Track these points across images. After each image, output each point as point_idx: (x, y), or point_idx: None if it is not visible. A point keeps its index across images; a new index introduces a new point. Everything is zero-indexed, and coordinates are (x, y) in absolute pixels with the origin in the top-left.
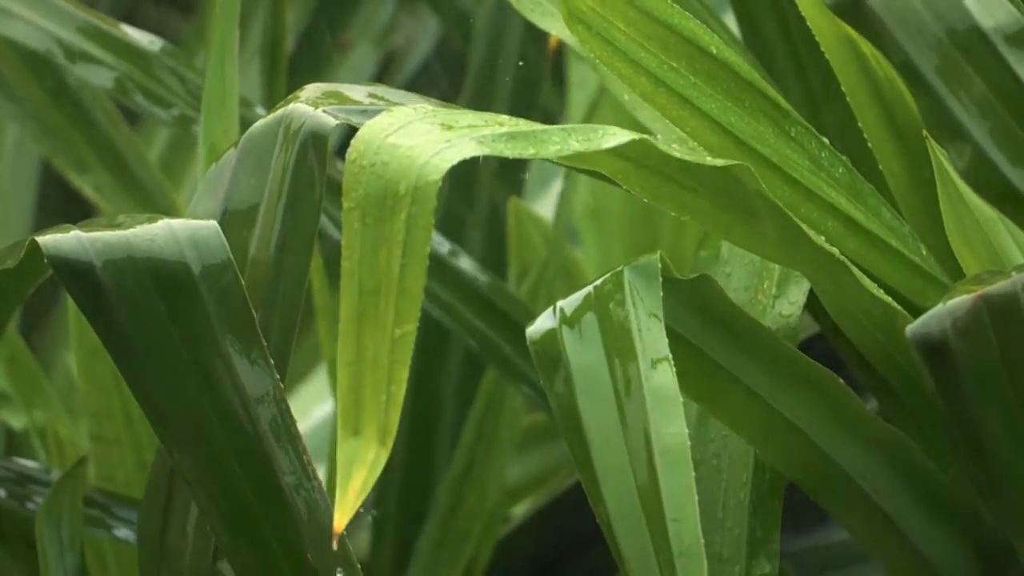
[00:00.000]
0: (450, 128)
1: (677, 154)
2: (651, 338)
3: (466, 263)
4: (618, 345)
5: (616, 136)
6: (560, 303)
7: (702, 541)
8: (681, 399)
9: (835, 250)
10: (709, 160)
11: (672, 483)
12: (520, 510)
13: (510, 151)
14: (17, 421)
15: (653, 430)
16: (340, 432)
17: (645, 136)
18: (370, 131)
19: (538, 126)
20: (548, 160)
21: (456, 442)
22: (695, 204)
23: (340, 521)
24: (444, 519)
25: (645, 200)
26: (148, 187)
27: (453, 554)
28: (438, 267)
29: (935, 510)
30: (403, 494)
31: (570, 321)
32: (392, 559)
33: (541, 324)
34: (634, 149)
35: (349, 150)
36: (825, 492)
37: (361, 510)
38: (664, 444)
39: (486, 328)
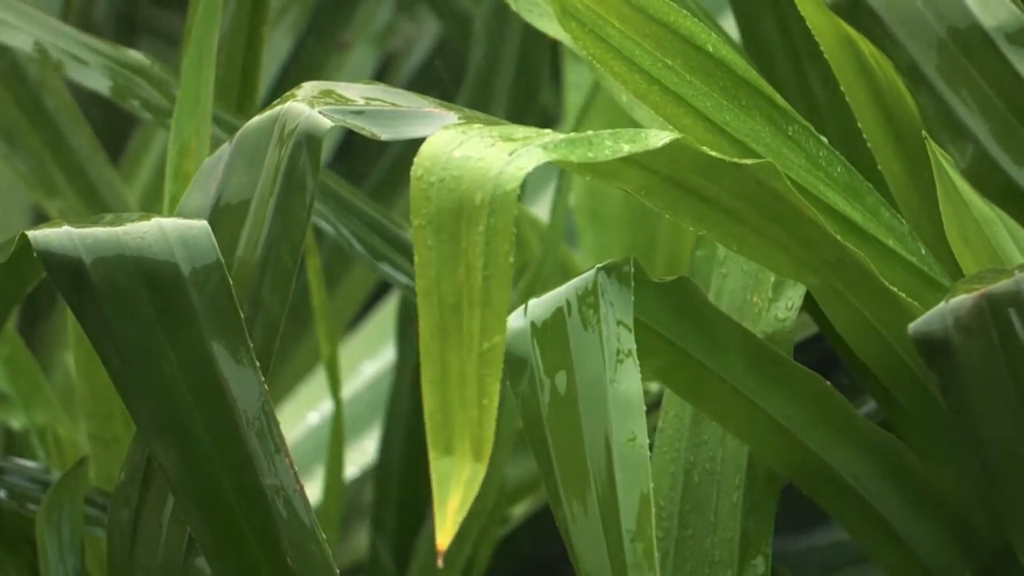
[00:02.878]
0: (510, 139)
1: (713, 154)
2: (618, 343)
3: None
4: (584, 349)
5: (660, 136)
6: (531, 302)
7: (656, 554)
8: (644, 407)
9: (850, 246)
10: (736, 159)
11: (630, 493)
12: (519, 511)
13: (574, 156)
14: (16, 421)
15: (614, 438)
16: (432, 452)
17: (685, 136)
18: (433, 147)
19: (588, 133)
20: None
21: None
22: (712, 215)
23: (443, 540)
24: None
25: (667, 216)
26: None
27: (452, 554)
28: None
29: (928, 513)
30: (402, 494)
31: (539, 322)
32: (392, 559)
33: (511, 323)
34: (675, 149)
35: (414, 168)
36: (820, 491)
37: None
38: (623, 453)
39: None
